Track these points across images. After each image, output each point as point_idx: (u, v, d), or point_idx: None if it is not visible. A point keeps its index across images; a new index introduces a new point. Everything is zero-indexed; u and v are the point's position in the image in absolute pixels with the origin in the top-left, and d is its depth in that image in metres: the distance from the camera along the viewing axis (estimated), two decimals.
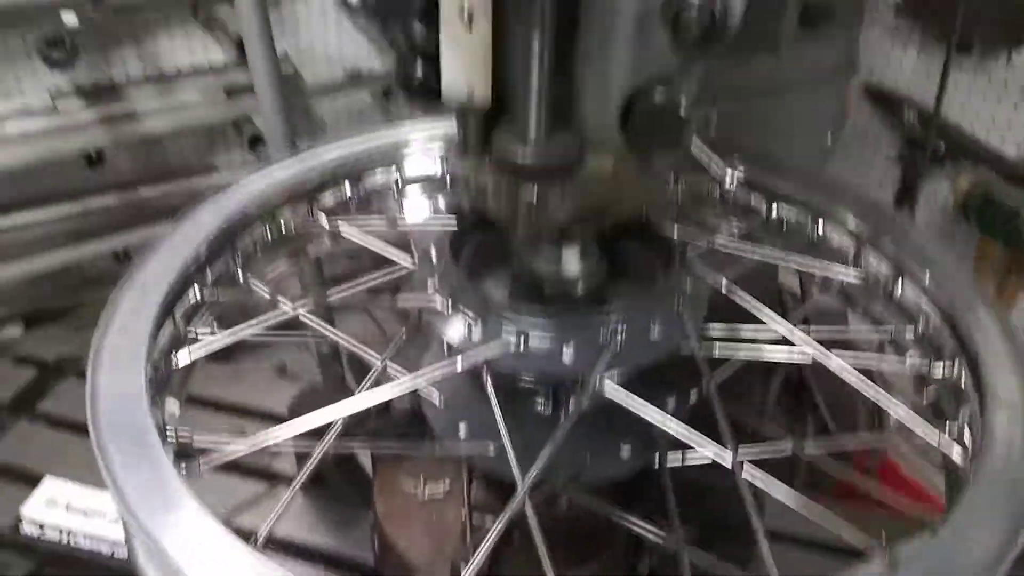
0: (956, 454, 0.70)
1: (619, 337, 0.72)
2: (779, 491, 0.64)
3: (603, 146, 0.62)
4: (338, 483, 1.15)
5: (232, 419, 1.39)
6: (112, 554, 1.17)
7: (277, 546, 1.15)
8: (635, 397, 0.70)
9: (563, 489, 0.78)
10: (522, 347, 0.71)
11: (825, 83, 1.37)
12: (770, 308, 0.81)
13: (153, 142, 2.42)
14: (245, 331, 0.84)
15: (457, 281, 0.76)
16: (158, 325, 0.79)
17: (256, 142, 2.31)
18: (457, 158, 0.65)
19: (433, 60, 0.58)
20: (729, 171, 0.62)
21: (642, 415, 0.71)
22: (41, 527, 1.19)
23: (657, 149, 0.63)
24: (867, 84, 2.48)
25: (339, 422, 0.71)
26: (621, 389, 0.70)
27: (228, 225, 0.95)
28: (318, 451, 0.69)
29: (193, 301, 0.88)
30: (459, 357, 0.71)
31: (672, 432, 0.69)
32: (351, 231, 1.01)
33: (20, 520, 1.19)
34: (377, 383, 0.75)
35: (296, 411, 0.91)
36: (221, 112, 2.37)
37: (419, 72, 0.59)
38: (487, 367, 0.72)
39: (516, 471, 0.67)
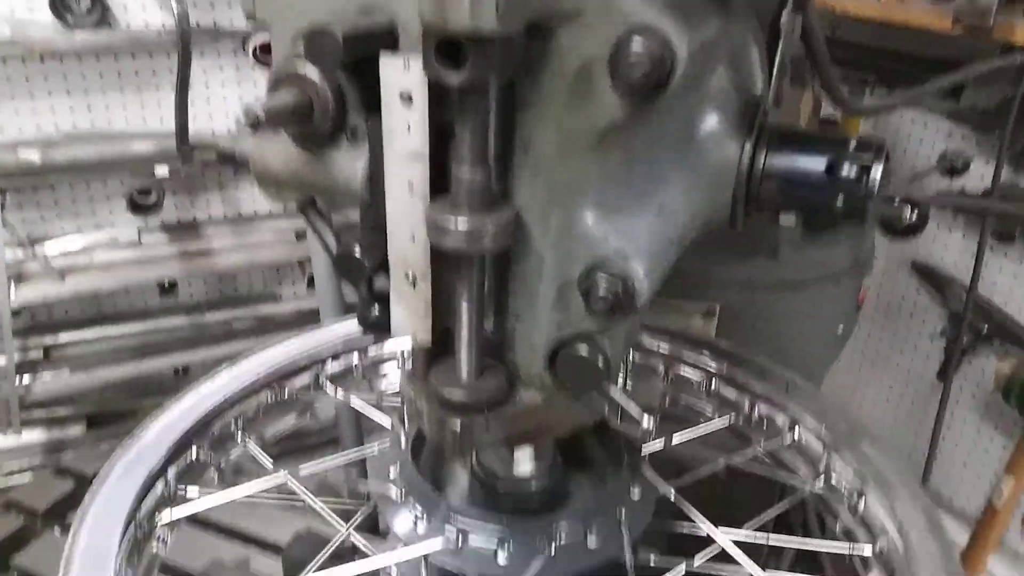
0: None
1: (556, 543, 0.76)
2: None
3: (533, 384, 0.69)
4: None
5: (235, 546, 1.45)
6: None
7: None
8: None
9: None
10: (460, 545, 0.76)
11: (832, 283, 1.42)
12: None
13: (225, 278, 2.63)
14: (234, 494, 0.92)
15: (415, 471, 0.83)
16: (147, 487, 0.88)
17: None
18: (407, 382, 0.72)
19: (387, 303, 0.67)
20: (646, 417, 0.67)
21: None
22: None
23: (579, 392, 0.69)
24: (914, 260, 2.51)
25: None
26: None
27: (236, 391, 1.05)
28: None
29: (190, 460, 0.97)
30: (399, 551, 0.76)
31: None
32: (357, 401, 1.10)
33: None
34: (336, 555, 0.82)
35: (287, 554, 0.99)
36: (288, 252, 2.57)
37: (375, 313, 0.68)
38: (425, 561, 0.77)
39: None
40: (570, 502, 0.82)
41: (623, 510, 0.80)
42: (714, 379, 1.13)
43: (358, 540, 0.82)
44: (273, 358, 1.12)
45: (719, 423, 1.10)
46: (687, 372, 1.16)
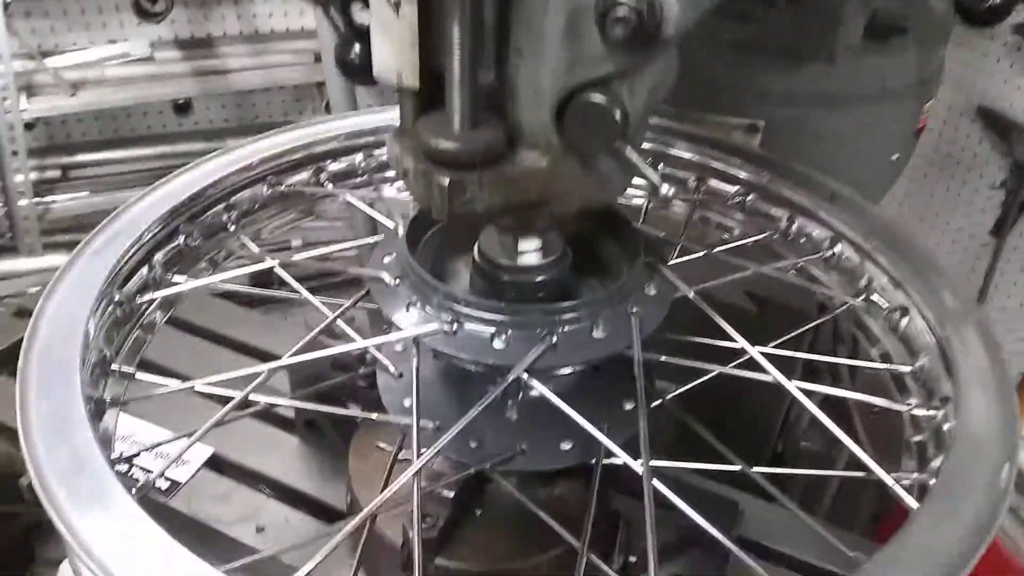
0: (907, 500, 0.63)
1: (559, 332, 0.69)
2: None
3: (537, 143, 0.60)
4: (332, 434, 1.17)
5: (241, 358, 1.41)
6: None
7: (258, 479, 1.15)
8: (553, 396, 0.67)
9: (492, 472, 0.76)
10: (455, 330, 0.69)
11: (892, 100, 1.27)
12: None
13: (241, 96, 2.52)
14: (215, 279, 0.86)
15: (413, 259, 0.75)
16: (129, 265, 0.82)
17: None
18: (393, 138, 0.63)
19: (368, 42, 0.57)
20: (665, 187, 0.57)
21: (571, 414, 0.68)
22: None
23: (590, 150, 0.59)
24: (980, 106, 2.31)
25: (265, 373, 0.71)
26: (540, 385, 0.67)
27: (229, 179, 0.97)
28: (235, 401, 0.70)
29: (179, 247, 0.91)
30: (388, 335, 0.70)
31: (594, 433, 0.66)
32: (354, 198, 1.02)
33: None
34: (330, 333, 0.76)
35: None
36: (307, 74, 2.44)
37: (355, 53, 0.58)
38: (416, 346, 0.70)
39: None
40: (576, 295, 0.74)
41: (634, 302, 0.72)
42: (751, 192, 1.02)
43: (344, 326, 0.76)
44: (271, 147, 1.03)
45: (752, 238, 1.01)
46: (718, 184, 1.06)
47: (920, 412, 0.72)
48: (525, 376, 0.68)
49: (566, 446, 0.75)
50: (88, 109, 2.22)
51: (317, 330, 0.77)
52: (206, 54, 2.38)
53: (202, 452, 1.21)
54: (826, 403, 1.58)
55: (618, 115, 0.57)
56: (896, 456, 0.75)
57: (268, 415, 1.31)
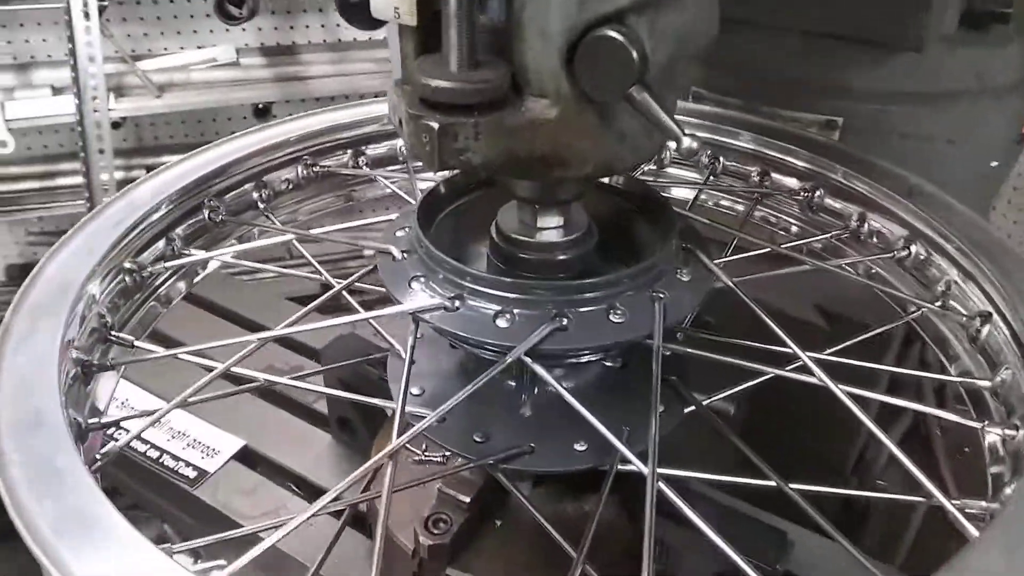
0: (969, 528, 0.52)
1: (571, 313, 0.61)
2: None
3: (546, 91, 0.53)
4: (364, 432, 1.12)
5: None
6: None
7: (286, 475, 1.13)
8: (557, 384, 0.59)
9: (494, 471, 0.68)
10: (457, 306, 0.63)
11: (990, 99, 1.14)
12: None
13: (320, 102, 2.55)
14: (228, 251, 0.82)
15: (424, 233, 0.69)
16: (142, 236, 0.79)
17: None
18: (392, 88, 0.57)
19: None
20: (687, 140, 0.50)
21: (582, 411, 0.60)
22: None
23: (603, 96, 0.52)
24: None
25: (254, 342, 0.66)
26: (542, 370, 0.59)
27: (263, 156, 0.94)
28: (219, 369, 0.65)
29: (203, 222, 0.88)
30: (386, 309, 0.64)
31: (602, 431, 0.58)
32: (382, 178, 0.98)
33: None
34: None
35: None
36: (386, 83, 2.44)
37: None
38: (415, 322, 0.64)
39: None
40: (597, 276, 0.66)
41: (661, 287, 0.64)
42: (819, 187, 0.92)
43: (349, 298, 0.71)
44: (309, 126, 1.00)
45: (818, 237, 0.91)
46: (782, 178, 0.96)
47: (997, 432, 0.61)
48: (528, 360, 0.60)
49: (580, 448, 0.67)
50: (173, 111, 2.28)
51: (315, 304, 0.72)
52: (288, 60, 2.42)
53: (233, 444, 1.18)
54: (911, 438, 1.43)
55: (635, 55, 0.49)
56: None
57: (303, 410, 1.28)
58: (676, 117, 0.56)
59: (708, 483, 0.68)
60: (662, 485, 0.52)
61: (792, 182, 0.95)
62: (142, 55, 2.36)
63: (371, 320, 0.66)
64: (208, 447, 1.19)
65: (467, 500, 0.78)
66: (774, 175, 0.96)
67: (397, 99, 0.56)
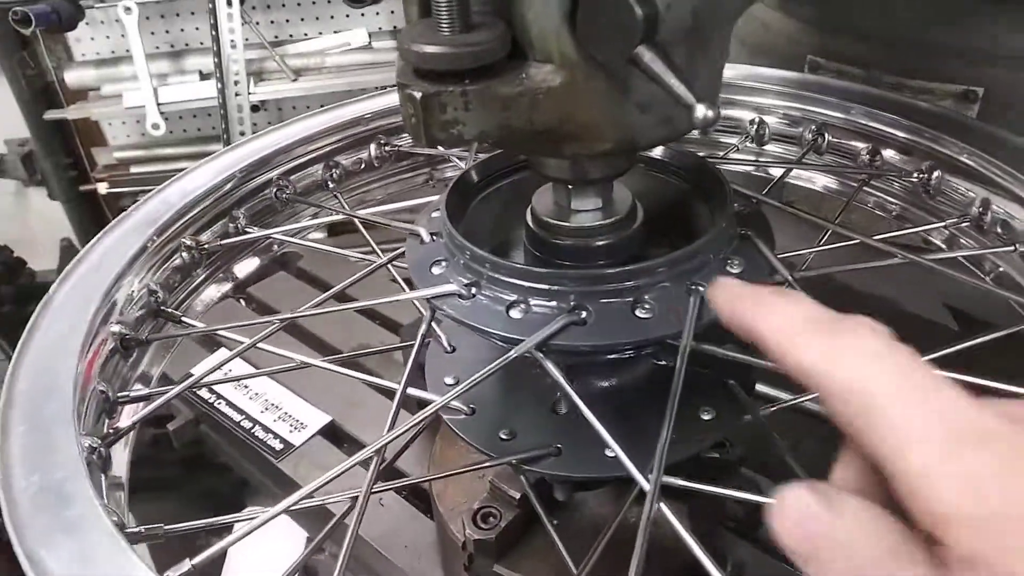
0: None
1: (592, 305, 0.55)
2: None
3: (550, 55, 0.47)
4: None
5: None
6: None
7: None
8: (564, 381, 0.53)
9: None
10: (473, 293, 0.58)
11: None
12: None
13: None
14: (288, 228, 0.82)
15: (458, 217, 0.65)
16: (199, 209, 0.80)
17: None
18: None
19: None
20: (701, 108, 0.42)
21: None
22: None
23: (604, 59, 0.45)
24: None
25: (275, 322, 0.65)
26: (552, 368, 0.54)
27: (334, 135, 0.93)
28: (241, 347, 0.64)
29: (268, 200, 0.89)
30: (406, 293, 0.60)
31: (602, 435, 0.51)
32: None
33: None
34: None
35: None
36: None
37: None
38: (432, 310, 0.60)
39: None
40: (631, 264, 0.59)
41: (701, 279, 0.56)
42: (937, 167, 0.80)
43: (395, 274, 0.68)
44: (384, 104, 0.97)
45: (931, 226, 0.78)
46: (896, 157, 0.84)
47: None
48: (540, 355, 0.55)
49: (611, 453, 0.61)
50: (308, 94, 2.37)
51: (343, 285, 0.69)
52: None
53: (320, 419, 1.20)
54: None
55: (639, 11, 0.42)
56: None
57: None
58: (718, 84, 0.49)
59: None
60: (662, 504, 0.45)
61: (906, 161, 0.82)
62: (283, 41, 2.46)
63: (382, 304, 0.62)
64: (297, 420, 1.22)
65: (517, 496, 0.74)
66: (885, 153, 0.84)
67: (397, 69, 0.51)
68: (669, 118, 0.51)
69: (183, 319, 0.73)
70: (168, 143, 2.53)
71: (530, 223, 0.64)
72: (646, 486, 0.46)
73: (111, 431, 0.58)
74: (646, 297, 0.55)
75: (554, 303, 0.56)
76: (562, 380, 0.53)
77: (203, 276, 0.82)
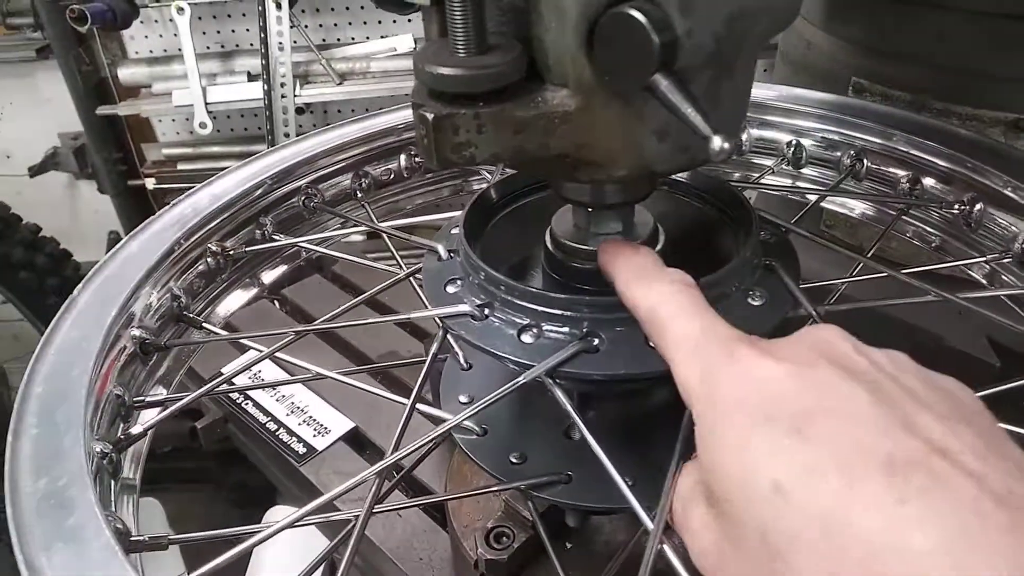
0: None
1: (605, 333, 0.54)
2: None
3: (566, 78, 0.46)
4: None
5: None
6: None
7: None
8: (569, 405, 0.52)
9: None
10: (484, 315, 0.57)
11: None
12: None
13: None
14: (312, 238, 0.83)
15: (476, 235, 0.64)
16: (226, 216, 0.80)
17: None
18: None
19: None
20: (717, 141, 0.41)
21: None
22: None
23: (619, 86, 0.44)
24: None
25: (291, 334, 0.64)
26: (560, 395, 0.53)
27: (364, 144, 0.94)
28: (264, 353, 0.64)
29: (296, 208, 0.89)
30: (418, 312, 0.60)
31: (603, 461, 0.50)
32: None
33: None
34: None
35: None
36: None
37: None
38: (444, 331, 0.60)
39: None
40: None
41: (724, 310, 0.54)
42: (980, 199, 0.77)
43: (416, 288, 0.68)
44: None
45: (969, 260, 0.75)
46: (937, 186, 0.81)
47: None
48: (549, 381, 0.54)
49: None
50: (352, 98, 2.39)
51: (373, 292, 0.69)
52: None
53: (344, 424, 1.21)
54: None
55: (655, 38, 0.41)
56: None
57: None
58: (741, 111, 0.47)
59: None
60: (666, 547, 0.44)
61: (947, 191, 0.80)
62: (330, 44, 2.48)
63: (437, 317, 0.62)
64: (322, 425, 1.22)
65: (531, 518, 0.73)
66: (926, 181, 0.81)
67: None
68: (687, 146, 0.50)
69: (204, 324, 0.74)
70: (214, 142, 2.57)
71: (548, 245, 0.63)
72: (650, 526, 0.45)
73: (123, 436, 0.59)
74: None
75: (567, 329, 0.55)
76: (571, 409, 0.52)
77: (227, 282, 0.83)
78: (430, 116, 0.45)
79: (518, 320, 0.56)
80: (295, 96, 2.31)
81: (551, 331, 0.55)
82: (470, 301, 0.58)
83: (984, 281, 0.77)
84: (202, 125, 2.34)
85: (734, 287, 0.57)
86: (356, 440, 1.21)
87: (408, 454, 0.55)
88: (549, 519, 0.71)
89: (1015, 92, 0.94)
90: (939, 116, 0.97)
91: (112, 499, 0.55)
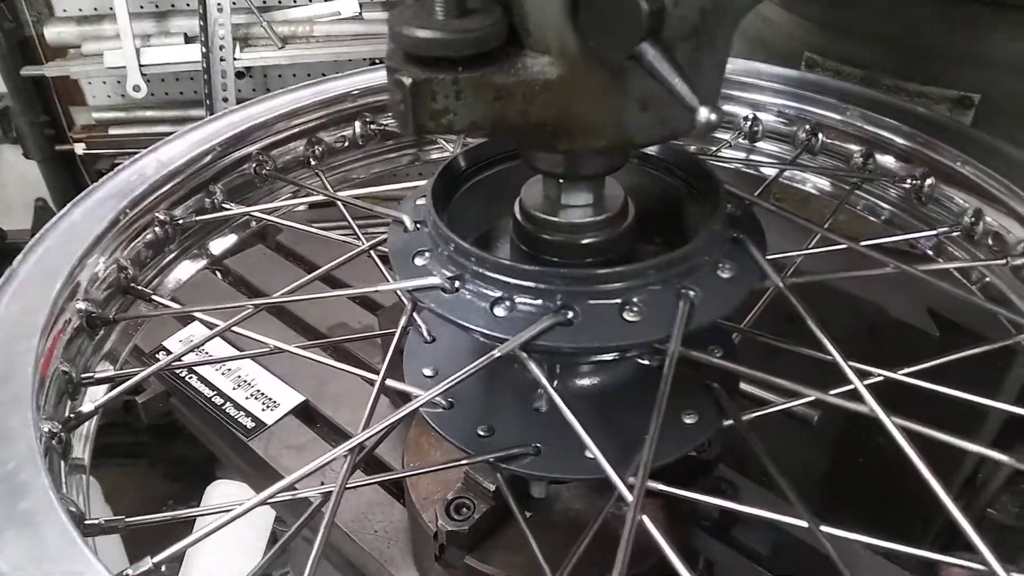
0: None
1: (579, 306, 0.53)
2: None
3: (548, 46, 0.45)
4: None
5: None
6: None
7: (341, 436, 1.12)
8: (545, 380, 0.52)
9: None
10: (454, 288, 0.56)
11: None
12: None
13: None
14: (267, 207, 0.80)
15: (444, 205, 0.63)
16: (173, 184, 0.77)
17: None
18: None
19: None
20: (704, 112, 0.40)
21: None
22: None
23: (605, 53, 0.43)
24: None
25: (249, 307, 0.62)
26: (535, 368, 0.52)
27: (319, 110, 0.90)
28: (218, 329, 0.62)
29: (247, 176, 0.86)
30: (384, 284, 0.58)
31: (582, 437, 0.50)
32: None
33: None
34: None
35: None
36: None
37: None
38: (413, 305, 0.58)
39: None
40: (620, 265, 0.57)
41: (692, 283, 0.55)
42: (931, 174, 0.78)
43: (377, 260, 0.66)
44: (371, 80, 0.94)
45: (921, 234, 0.77)
46: (889, 162, 0.83)
47: None
48: (523, 356, 0.53)
49: (590, 455, 0.60)
50: (294, 62, 2.32)
51: (335, 263, 0.67)
52: None
53: (294, 398, 1.18)
54: None
55: (645, 5, 0.40)
56: None
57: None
58: (720, 83, 0.47)
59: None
60: (644, 517, 0.44)
61: (900, 166, 0.81)
62: (271, 7, 2.40)
63: (399, 291, 0.60)
64: (270, 399, 1.19)
65: (492, 489, 0.73)
66: (879, 157, 0.83)
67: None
68: (668, 118, 0.49)
69: (153, 297, 0.71)
70: (149, 106, 2.47)
71: (518, 216, 0.62)
72: (628, 496, 0.45)
73: (72, 415, 0.56)
74: (635, 299, 0.53)
75: (540, 301, 0.54)
76: (546, 382, 0.51)
77: (176, 252, 0.79)
78: (407, 81, 0.44)
79: (490, 293, 0.55)
80: (234, 59, 2.23)
81: (524, 304, 0.54)
82: (440, 274, 0.57)
83: (931, 253, 0.79)
84: (135, 88, 2.24)
85: (704, 259, 0.57)
86: (306, 414, 1.18)
87: (379, 431, 0.54)
88: (510, 490, 0.71)
89: (961, 70, 0.97)
90: (889, 92, 0.99)
91: (64, 481, 0.53)
